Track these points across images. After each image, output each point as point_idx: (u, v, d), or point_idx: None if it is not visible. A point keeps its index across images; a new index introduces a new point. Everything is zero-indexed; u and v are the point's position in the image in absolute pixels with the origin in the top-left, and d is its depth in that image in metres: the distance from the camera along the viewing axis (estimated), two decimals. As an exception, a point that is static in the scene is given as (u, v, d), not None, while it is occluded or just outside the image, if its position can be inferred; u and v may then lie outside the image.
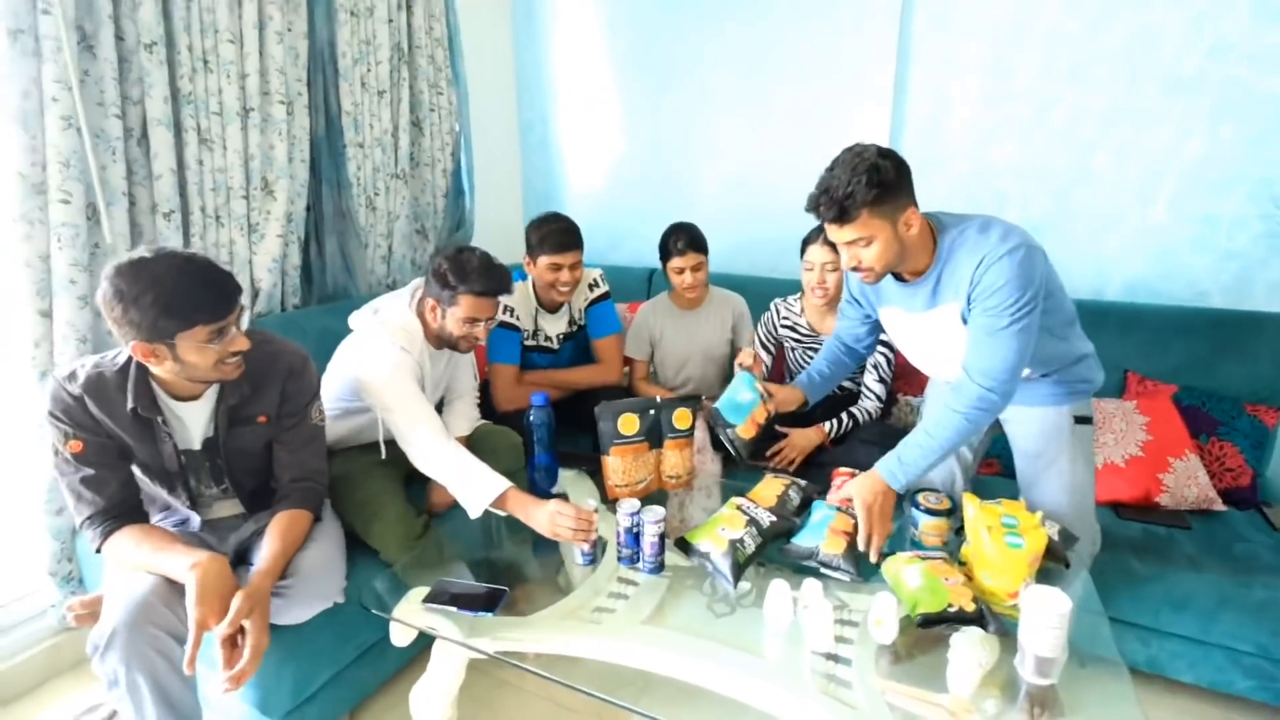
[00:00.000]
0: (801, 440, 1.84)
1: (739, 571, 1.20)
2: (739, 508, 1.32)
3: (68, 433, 1.14)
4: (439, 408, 1.77)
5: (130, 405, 1.15)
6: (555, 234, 1.85)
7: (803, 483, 1.47)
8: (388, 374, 1.44)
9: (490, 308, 1.53)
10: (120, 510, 1.19)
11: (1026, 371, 1.33)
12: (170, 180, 1.64)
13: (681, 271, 1.99)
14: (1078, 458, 1.39)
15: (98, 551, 1.18)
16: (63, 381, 1.15)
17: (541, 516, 1.32)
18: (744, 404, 1.48)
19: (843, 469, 1.47)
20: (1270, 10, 1.80)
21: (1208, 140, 1.93)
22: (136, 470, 1.24)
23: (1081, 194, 2.11)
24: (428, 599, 1.18)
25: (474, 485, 1.37)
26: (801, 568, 1.26)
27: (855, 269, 1.26)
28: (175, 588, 1.12)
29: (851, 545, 1.24)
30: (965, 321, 1.25)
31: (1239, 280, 1.96)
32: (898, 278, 1.32)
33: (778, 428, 1.85)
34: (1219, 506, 1.66)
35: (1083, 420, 1.41)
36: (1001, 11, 2.09)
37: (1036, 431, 1.41)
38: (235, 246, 1.82)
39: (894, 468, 1.28)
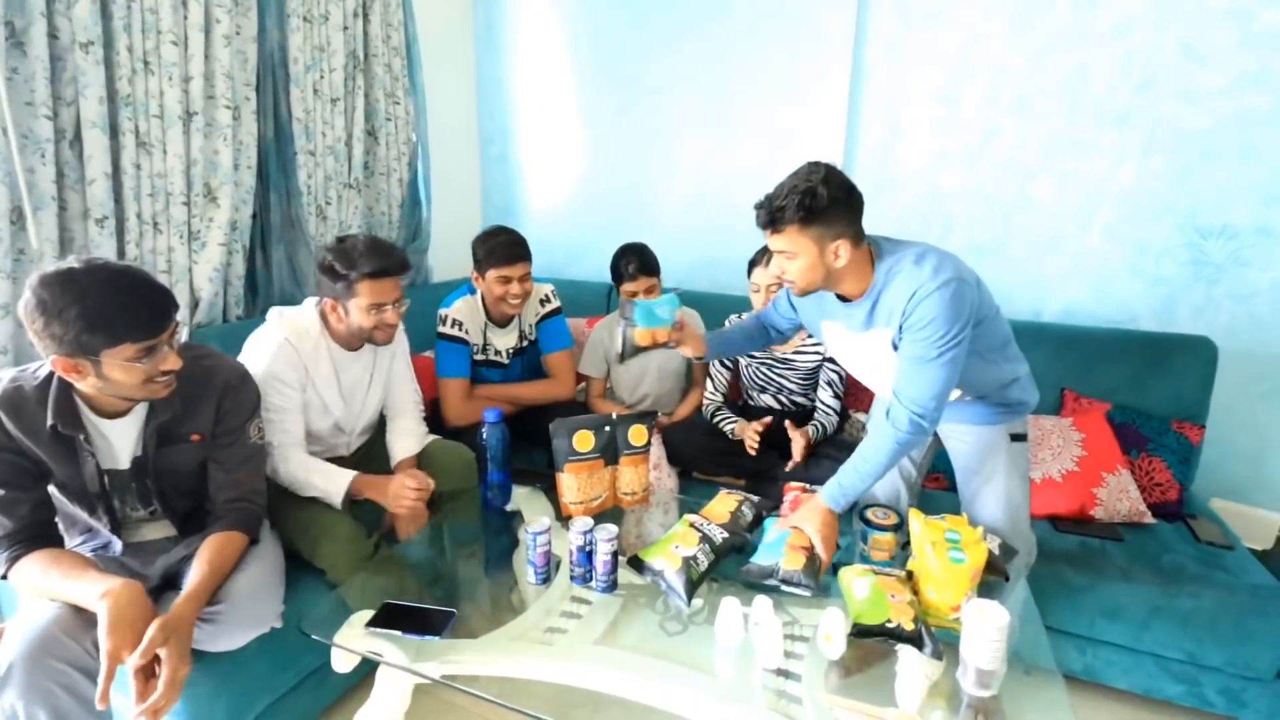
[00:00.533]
0: (804, 438, 1.84)
1: (692, 589, 1.19)
2: (692, 525, 1.32)
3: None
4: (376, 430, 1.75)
5: (50, 422, 1.08)
6: (503, 246, 1.84)
7: (755, 499, 1.48)
8: (262, 365, 1.43)
9: (392, 289, 1.47)
10: (30, 534, 1.11)
11: (957, 394, 1.38)
12: (104, 185, 1.56)
13: (634, 295, 1.98)
14: (1013, 474, 1.44)
15: (3, 578, 1.10)
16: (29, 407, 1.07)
17: (388, 493, 1.43)
18: (659, 316, 1.50)
19: (793, 483, 1.49)
20: (1195, 52, 1.93)
21: (1139, 171, 2.05)
22: (54, 491, 1.17)
23: (1023, 219, 2.21)
24: (371, 622, 1.14)
25: (331, 479, 1.46)
26: (755, 585, 1.26)
27: (779, 278, 1.32)
28: (83, 617, 1.05)
29: (810, 559, 1.25)
30: (895, 348, 1.28)
31: (1166, 304, 2.07)
32: (840, 296, 1.36)
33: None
34: (1149, 519, 1.74)
35: (1018, 438, 1.45)
36: (950, 44, 2.18)
37: (974, 449, 1.46)
38: (174, 254, 1.75)
39: (835, 493, 1.32)
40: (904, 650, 1.08)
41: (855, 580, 1.17)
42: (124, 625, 0.99)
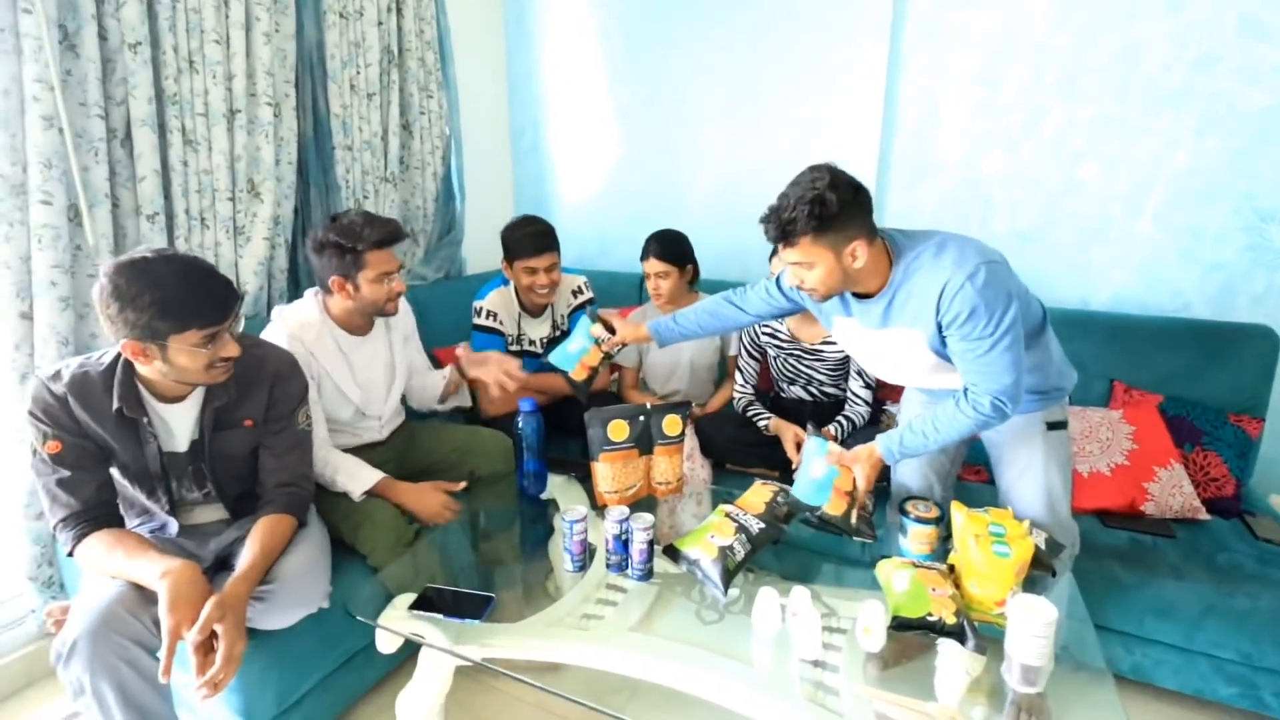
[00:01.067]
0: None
1: (729, 578, 1.19)
2: (728, 515, 1.32)
3: (47, 433, 1.13)
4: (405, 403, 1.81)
5: (116, 405, 1.14)
6: (529, 238, 1.85)
7: (790, 489, 1.47)
8: None
9: (393, 258, 1.54)
10: (95, 514, 1.17)
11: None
12: (154, 182, 1.62)
13: (648, 278, 2.00)
14: (1051, 463, 1.39)
15: (70, 555, 1.16)
16: (46, 381, 1.14)
17: (423, 508, 1.50)
18: (571, 354, 1.55)
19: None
20: (1255, 26, 1.83)
21: (1193, 153, 1.95)
22: (116, 474, 1.22)
23: (1069, 204, 2.13)
24: (414, 605, 1.17)
25: (355, 478, 1.49)
26: (790, 575, 1.26)
27: (799, 288, 1.29)
28: (144, 594, 1.10)
29: (849, 508, 1.33)
30: (941, 346, 1.25)
31: (1223, 292, 1.98)
32: (855, 293, 1.33)
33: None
34: (1203, 516, 1.68)
35: (1055, 426, 1.41)
36: (991, 23, 2.11)
37: (1008, 439, 1.43)
38: (220, 249, 1.80)
39: (893, 446, 1.33)
40: (945, 644, 1.06)
41: (895, 573, 1.16)
42: (183, 603, 1.04)
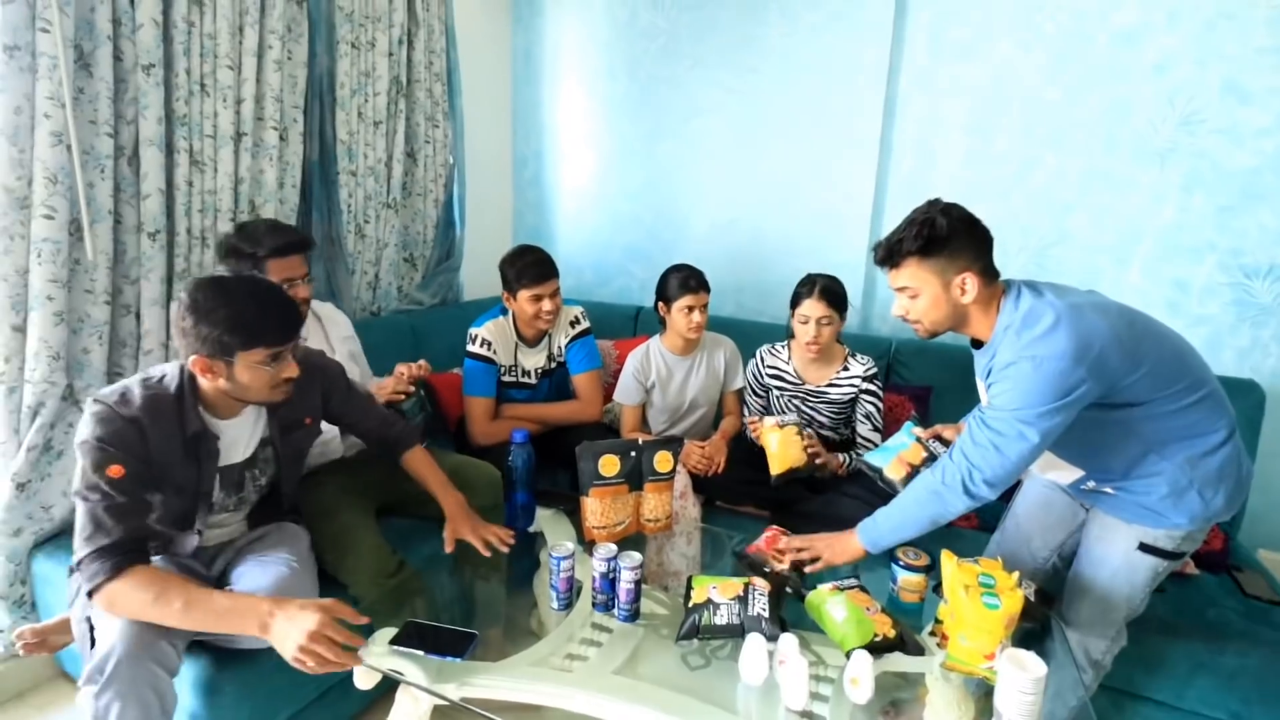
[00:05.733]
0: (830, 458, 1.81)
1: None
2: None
3: (112, 456, 1.08)
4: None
5: (192, 427, 1.16)
6: (532, 266, 1.86)
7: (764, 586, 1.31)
8: None
9: (299, 265, 1.55)
10: (134, 548, 1.10)
11: (1074, 474, 1.28)
12: (158, 200, 1.63)
13: (690, 311, 1.93)
14: (1118, 582, 1.26)
15: (94, 591, 1.05)
16: (114, 405, 1.10)
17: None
18: (892, 448, 1.48)
19: (773, 526, 1.46)
20: (1238, 89, 1.90)
21: (1180, 208, 2.01)
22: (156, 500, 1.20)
23: (1059, 254, 2.18)
24: (395, 640, 1.14)
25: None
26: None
27: (904, 318, 1.25)
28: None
29: (910, 474, 1.37)
30: None
31: (1209, 345, 2.01)
32: (973, 342, 1.29)
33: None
34: (1192, 570, 1.67)
35: (1151, 550, 1.24)
36: (983, 76, 2.18)
37: (1093, 535, 1.32)
38: (220, 268, 1.80)
39: (869, 529, 1.29)
40: (933, 697, 1.05)
41: (828, 604, 1.18)
42: (311, 643, 1.01)
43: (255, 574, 1.24)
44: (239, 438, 1.27)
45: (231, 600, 1.08)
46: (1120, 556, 1.26)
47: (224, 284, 1.13)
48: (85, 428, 1.09)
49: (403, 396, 1.72)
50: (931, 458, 1.44)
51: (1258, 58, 1.87)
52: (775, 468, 1.71)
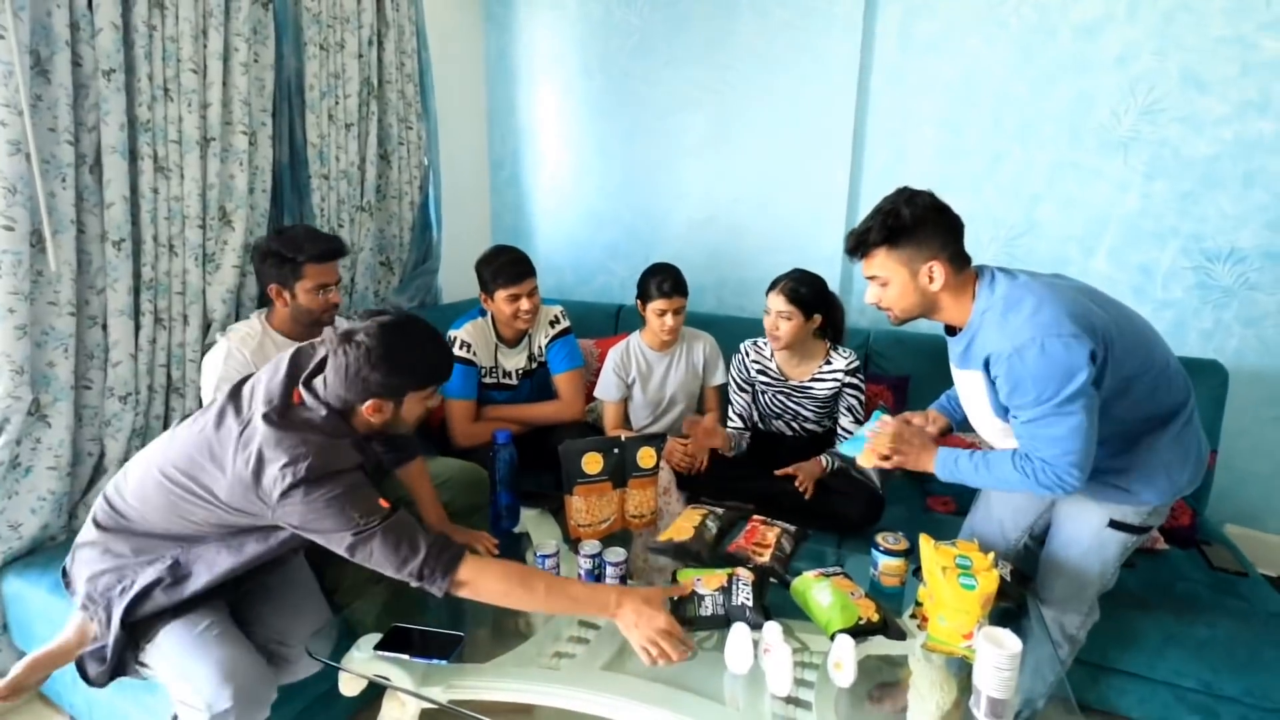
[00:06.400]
0: (812, 468, 1.83)
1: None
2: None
3: (371, 492, 1.11)
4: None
5: (371, 461, 1.21)
6: (508, 266, 1.85)
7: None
8: (214, 376, 1.54)
9: (333, 271, 1.61)
10: (443, 543, 1.12)
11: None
12: (122, 208, 1.59)
13: (663, 314, 1.95)
14: (1090, 559, 1.30)
15: (449, 591, 1.09)
16: (337, 469, 1.08)
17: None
18: (860, 436, 1.45)
19: (756, 516, 1.50)
20: (1197, 79, 1.95)
21: (1143, 196, 2.06)
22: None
23: (1029, 243, 2.22)
24: (379, 646, 1.14)
25: None
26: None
27: (878, 306, 1.27)
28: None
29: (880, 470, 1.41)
30: (998, 404, 1.19)
31: (1174, 328, 2.07)
32: (948, 328, 1.30)
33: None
34: (1162, 546, 1.72)
35: (1121, 527, 1.27)
36: (953, 72, 2.22)
37: (1063, 514, 1.35)
38: (189, 276, 1.77)
39: (948, 462, 1.28)
40: (916, 679, 1.07)
41: (813, 589, 1.21)
42: (660, 639, 1.09)
43: (300, 611, 1.29)
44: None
45: (583, 589, 1.19)
46: (1091, 535, 1.30)
47: (404, 329, 1.15)
48: (331, 503, 1.05)
49: None
50: None
51: (1216, 47, 1.92)
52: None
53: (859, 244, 1.21)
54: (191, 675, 1.09)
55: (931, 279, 1.18)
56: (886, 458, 1.33)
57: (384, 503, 1.09)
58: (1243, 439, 2.05)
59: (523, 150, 2.98)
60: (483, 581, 1.10)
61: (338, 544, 1.07)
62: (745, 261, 2.61)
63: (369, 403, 1.13)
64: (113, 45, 1.54)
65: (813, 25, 2.34)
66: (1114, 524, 1.28)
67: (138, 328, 1.67)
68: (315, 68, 2.07)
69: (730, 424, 2.02)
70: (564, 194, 2.94)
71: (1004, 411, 1.20)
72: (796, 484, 1.79)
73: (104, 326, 1.62)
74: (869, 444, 1.35)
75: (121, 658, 1.13)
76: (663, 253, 2.34)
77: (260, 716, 1.12)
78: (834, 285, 2.39)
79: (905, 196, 1.18)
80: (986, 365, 1.16)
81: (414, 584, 1.08)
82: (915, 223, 1.16)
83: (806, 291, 1.79)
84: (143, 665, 1.15)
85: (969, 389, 1.27)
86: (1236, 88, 1.92)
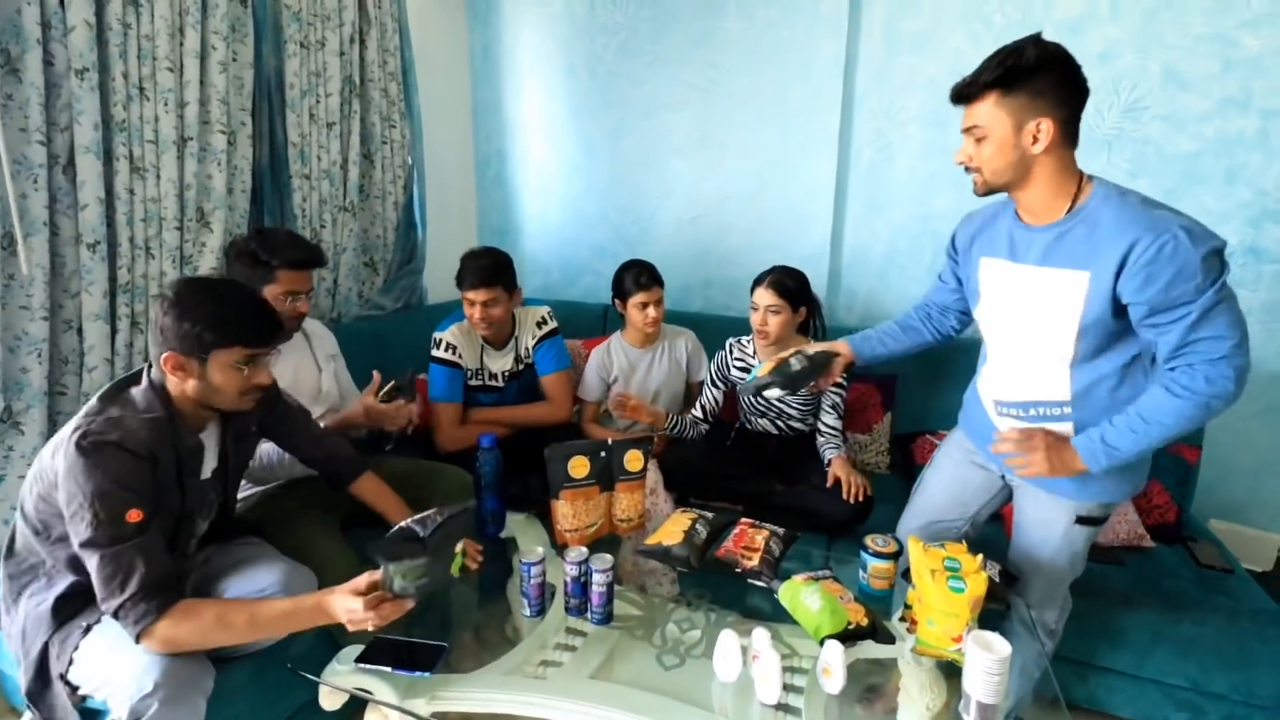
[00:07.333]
0: (841, 468, 1.79)
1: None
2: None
3: (130, 500, 1.02)
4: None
5: (189, 443, 1.15)
6: (468, 271, 1.83)
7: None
8: None
9: (306, 280, 1.56)
10: (170, 582, 1.06)
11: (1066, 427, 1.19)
12: (97, 210, 1.55)
13: (644, 306, 2.00)
14: (1061, 555, 1.29)
15: (141, 636, 1.01)
16: (119, 442, 1.02)
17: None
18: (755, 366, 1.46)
19: (745, 519, 1.47)
20: (1178, 77, 1.96)
21: (1126, 194, 2.07)
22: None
23: (1015, 240, 2.22)
24: (360, 658, 1.11)
25: None
26: (751, 614, 1.27)
27: (965, 167, 1.15)
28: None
29: (777, 365, 1.39)
30: (1105, 307, 1.07)
31: (1159, 324, 2.08)
32: (1019, 220, 1.17)
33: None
34: (1148, 543, 1.73)
35: (1087, 521, 1.26)
36: (937, 69, 2.21)
37: (1030, 517, 1.33)
38: (166, 279, 1.73)
39: (1095, 450, 1.12)
40: (906, 681, 1.06)
41: (801, 593, 1.19)
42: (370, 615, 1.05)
43: (256, 577, 1.23)
44: (209, 451, 1.24)
45: (287, 603, 1.10)
46: (1060, 534, 1.29)
47: (210, 283, 1.15)
48: (91, 473, 1.00)
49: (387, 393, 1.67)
50: (796, 353, 1.44)
51: (1196, 45, 1.93)
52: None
53: (968, 85, 1.07)
54: (115, 668, 1.04)
55: (1036, 138, 1.05)
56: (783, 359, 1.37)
57: (133, 516, 1.02)
58: (1226, 434, 2.06)
59: (508, 149, 2.96)
60: (177, 636, 1.03)
61: (73, 534, 1.03)
62: (732, 260, 2.61)
63: (167, 356, 1.08)
64: (86, 43, 1.50)
65: (798, 24, 2.34)
66: (1080, 520, 1.27)
67: (114, 332, 1.63)
68: (296, 66, 2.04)
69: (692, 412, 2.03)
70: (550, 193, 2.92)
71: (1112, 317, 1.08)
72: (845, 493, 1.74)
73: (79, 331, 1.58)
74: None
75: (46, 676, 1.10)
76: (650, 252, 2.33)
77: (193, 701, 1.06)
78: (821, 283, 2.40)
79: (1033, 39, 1.03)
80: (1121, 264, 1.02)
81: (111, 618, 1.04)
82: (1038, 66, 1.02)
83: (793, 284, 1.81)
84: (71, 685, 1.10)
85: (1041, 294, 1.13)
86: (1218, 85, 1.93)
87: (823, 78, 2.33)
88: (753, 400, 1.99)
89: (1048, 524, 1.30)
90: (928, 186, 2.30)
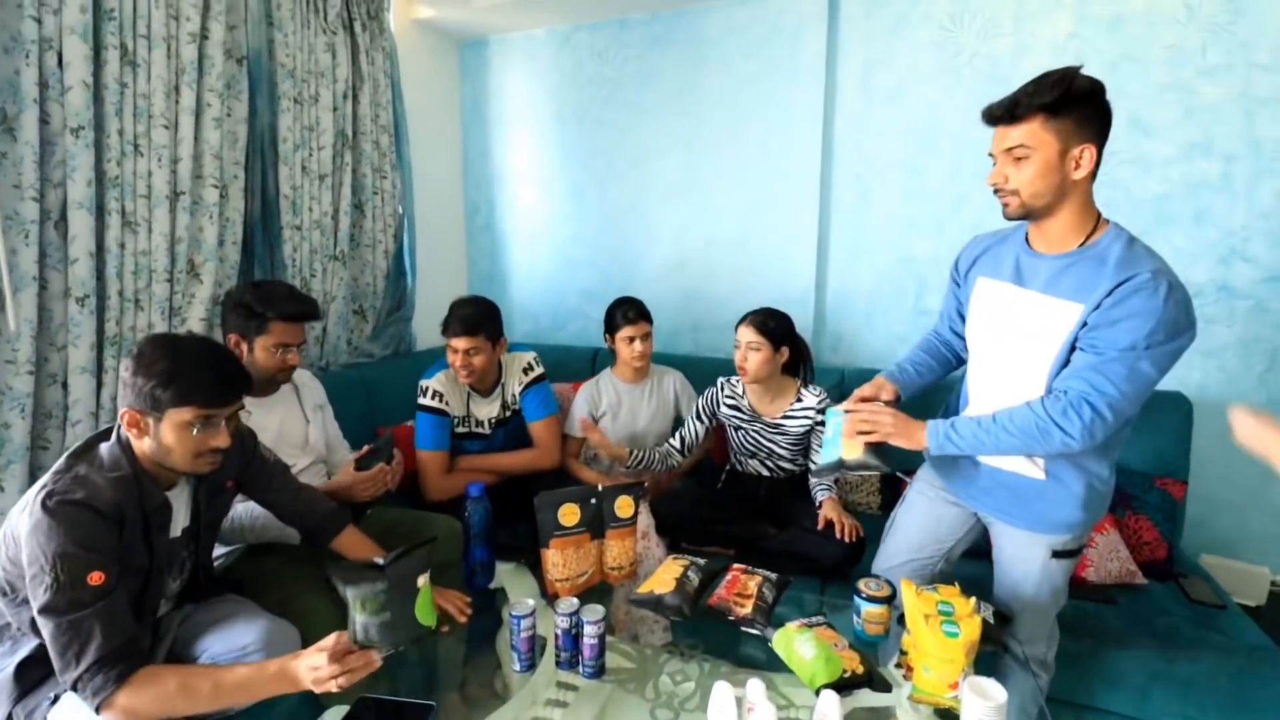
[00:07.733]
0: (831, 509, 1.80)
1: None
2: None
3: (92, 562, 0.99)
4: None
5: (155, 502, 1.12)
6: (453, 319, 1.85)
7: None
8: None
9: (299, 333, 1.57)
10: (133, 649, 1.02)
11: (1036, 468, 1.22)
12: (87, 264, 1.56)
13: (632, 340, 2.05)
14: (1043, 589, 1.30)
15: (101, 708, 0.98)
16: (85, 501, 1.01)
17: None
18: (831, 438, 1.38)
19: (736, 565, 1.46)
20: (1142, 124, 2.05)
21: (1099, 234, 2.13)
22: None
23: (994, 280, 2.27)
24: (346, 719, 1.08)
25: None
26: (746, 663, 1.24)
27: (999, 189, 1.14)
28: None
29: (868, 444, 1.28)
30: (1071, 340, 1.11)
31: (1138, 361, 2.12)
32: (1028, 243, 1.19)
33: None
34: (1140, 580, 1.73)
35: (1063, 554, 1.28)
36: (913, 118, 2.30)
37: (1009, 556, 1.34)
38: (154, 330, 1.74)
39: (940, 432, 1.20)
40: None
41: (795, 641, 1.18)
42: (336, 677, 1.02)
43: (236, 634, 1.18)
44: (179, 509, 1.21)
45: (249, 669, 1.06)
46: (1039, 570, 1.30)
47: (172, 340, 1.12)
48: (53, 533, 0.98)
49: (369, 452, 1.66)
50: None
51: (1159, 94, 2.03)
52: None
53: (1015, 105, 1.06)
54: None
55: (1079, 164, 1.06)
56: (866, 434, 1.27)
57: (95, 579, 0.98)
58: (1212, 469, 2.08)
59: (497, 197, 3.01)
60: (139, 706, 0.99)
61: (32, 598, 0.99)
62: (718, 303, 2.64)
63: (124, 413, 1.07)
64: (83, 103, 1.53)
65: (778, 77, 2.43)
66: (1057, 554, 1.29)
67: (99, 385, 1.62)
68: (289, 121, 2.08)
69: (670, 442, 2.02)
70: (539, 240, 2.97)
71: (1068, 355, 1.12)
72: (837, 534, 1.74)
73: (64, 385, 1.57)
74: (844, 431, 1.30)
75: None
76: (638, 295, 2.36)
77: None
78: (806, 324, 2.43)
79: (1077, 69, 1.04)
80: (1098, 300, 1.06)
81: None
82: (1089, 95, 1.03)
83: (775, 324, 1.84)
84: None
85: (1034, 320, 1.15)
86: (1181, 130, 2.02)
87: (802, 128, 2.42)
88: (744, 440, 1.99)
89: (1027, 561, 1.32)
90: (908, 230, 2.37)
